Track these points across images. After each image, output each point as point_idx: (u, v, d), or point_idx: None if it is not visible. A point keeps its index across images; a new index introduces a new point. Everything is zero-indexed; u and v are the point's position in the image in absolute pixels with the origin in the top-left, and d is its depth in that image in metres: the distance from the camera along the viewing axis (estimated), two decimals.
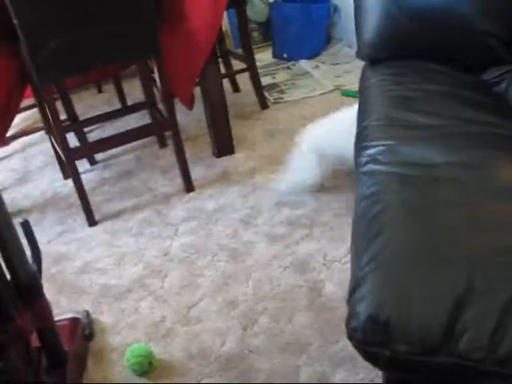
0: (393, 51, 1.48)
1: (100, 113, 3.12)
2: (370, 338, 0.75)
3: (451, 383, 0.75)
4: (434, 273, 0.76)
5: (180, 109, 2.81)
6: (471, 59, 1.40)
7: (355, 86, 3.30)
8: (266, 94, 3.44)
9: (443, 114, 1.17)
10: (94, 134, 3.31)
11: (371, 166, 1.06)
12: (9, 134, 2.69)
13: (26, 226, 1.50)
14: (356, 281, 0.80)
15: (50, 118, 2.35)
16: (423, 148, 1.05)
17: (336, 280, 1.93)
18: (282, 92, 3.49)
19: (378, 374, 1.56)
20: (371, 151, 1.10)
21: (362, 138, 1.18)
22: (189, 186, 2.60)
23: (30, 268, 1.49)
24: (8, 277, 1.44)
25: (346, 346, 1.67)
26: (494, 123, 1.14)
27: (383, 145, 1.10)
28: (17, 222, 1.44)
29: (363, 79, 1.49)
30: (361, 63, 3.58)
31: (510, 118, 1.22)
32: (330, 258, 2.03)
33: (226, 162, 2.81)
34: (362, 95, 1.43)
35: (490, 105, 1.28)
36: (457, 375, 0.72)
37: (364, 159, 1.10)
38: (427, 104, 1.23)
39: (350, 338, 0.78)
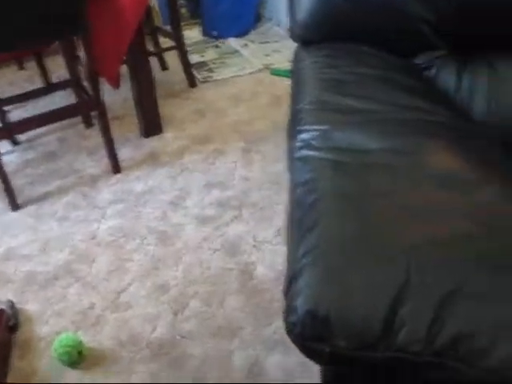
0: (326, 33, 1.45)
1: (21, 90, 2.98)
2: (309, 332, 0.73)
3: (390, 375, 0.75)
4: (371, 266, 0.75)
5: (106, 87, 2.72)
6: (404, 43, 1.39)
7: (284, 65, 3.31)
8: (195, 72, 3.39)
9: (376, 98, 1.16)
10: (16, 113, 3.18)
11: (305, 152, 1.04)
12: None
13: None
14: (292, 274, 0.78)
15: None
16: (356, 133, 1.04)
17: (267, 262, 1.92)
18: (210, 71, 3.44)
19: None
20: (305, 136, 1.08)
21: (295, 122, 1.16)
22: (116, 168, 2.53)
23: None
24: None
25: (278, 328, 1.68)
26: (426, 109, 1.14)
27: (316, 129, 1.08)
28: None
29: (296, 61, 1.46)
30: (290, 42, 3.57)
31: (440, 104, 1.23)
32: (260, 239, 2.02)
33: (154, 142, 2.75)
34: (295, 77, 1.40)
35: (421, 89, 1.28)
36: (395, 368, 0.72)
37: (298, 144, 1.08)
38: (360, 88, 1.22)
39: (289, 332, 0.76)
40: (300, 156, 1.05)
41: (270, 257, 1.94)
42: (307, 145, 1.06)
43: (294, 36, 1.55)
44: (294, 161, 1.07)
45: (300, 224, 0.87)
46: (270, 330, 1.68)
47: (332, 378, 0.90)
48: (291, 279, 0.78)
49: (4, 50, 2.32)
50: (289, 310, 0.75)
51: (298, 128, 1.13)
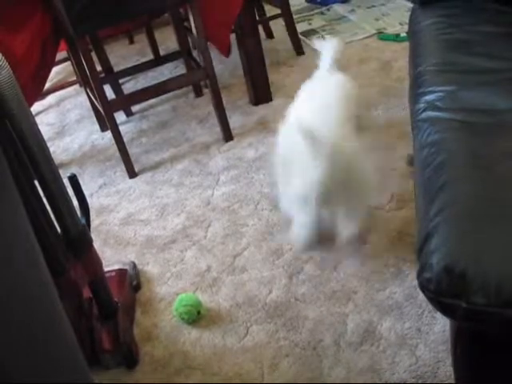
0: None
1: (133, 64, 3.10)
2: (445, 288, 0.74)
3: None
4: (507, 223, 0.74)
5: (214, 57, 2.77)
6: None
7: (395, 30, 3.24)
8: (307, 40, 3.37)
9: (503, 56, 1.13)
10: (128, 85, 3.30)
11: (430, 113, 1.03)
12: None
13: (74, 180, 1.51)
14: (427, 232, 0.78)
15: (86, 70, 2.34)
16: (485, 93, 1.02)
17: (380, 228, 1.91)
18: (322, 38, 3.40)
19: (423, 323, 1.56)
20: (429, 97, 1.07)
21: (417, 84, 1.14)
22: (227, 135, 2.59)
23: (79, 221, 1.50)
24: (59, 231, 1.46)
25: (392, 293, 1.67)
26: None
27: (442, 91, 1.07)
28: (63, 175, 1.45)
29: (413, 22, 1.43)
30: (397, 5, 3.50)
31: None
32: (374, 205, 2.01)
33: (263, 109, 2.78)
34: (414, 39, 1.38)
35: None
36: None
37: (422, 106, 1.07)
38: (486, 47, 1.19)
39: (423, 288, 0.77)
40: (425, 117, 1.05)
41: (382, 224, 1.93)
42: (432, 106, 1.06)
43: None
44: (418, 122, 1.06)
45: (430, 184, 0.87)
46: (384, 294, 1.68)
47: (463, 337, 0.90)
48: (425, 237, 0.78)
49: (115, 22, 2.41)
50: (423, 267, 0.76)
51: (421, 90, 1.12)
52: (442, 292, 0.75)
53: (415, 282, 1.62)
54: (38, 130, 1.33)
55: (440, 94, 1.07)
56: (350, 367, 1.50)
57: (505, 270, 0.71)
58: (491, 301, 0.71)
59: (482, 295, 0.71)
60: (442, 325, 1.55)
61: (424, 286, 0.77)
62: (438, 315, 1.57)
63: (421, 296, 1.62)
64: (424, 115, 1.04)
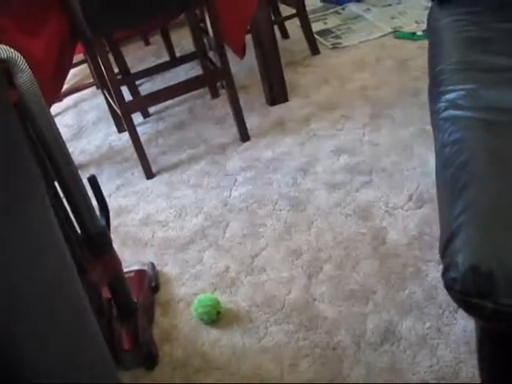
0: None
1: (149, 65, 3.11)
2: (471, 288, 0.74)
3: None
4: None
5: (229, 57, 2.77)
6: None
7: (411, 28, 3.23)
8: (322, 39, 3.37)
9: None
10: (144, 86, 3.31)
11: (451, 112, 1.03)
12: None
13: (93, 181, 1.52)
14: (450, 231, 0.78)
15: (103, 71, 2.35)
16: (507, 91, 1.01)
17: (399, 227, 1.90)
18: (338, 37, 3.39)
19: (444, 323, 1.55)
20: (450, 96, 1.07)
21: (437, 83, 1.14)
22: (244, 136, 2.59)
23: (98, 222, 1.51)
24: (79, 231, 1.47)
25: (412, 293, 1.66)
26: None
27: (463, 89, 1.06)
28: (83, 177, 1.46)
29: (432, 21, 1.43)
30: (413, 3, 3.49)
31: None
32: (392, 205, 2.01)
33: (280, 110, 2.78)
34: (433, 38, 1.37)
35: None
36: None
37: (443, 105, 1.06)
38: (506, 44, 1.18)
39: (449, 288, 0.77)
40: (446, 116, 1.04)
41: (401, 222, 1.92)
42: (453, 105, 1.05)
43: None
44: (439, 121, 1.06)
45: (453, 183, 0.87)
46: (403, 294, 1.67)
47: (489, 338, 0.89)
48: (449, 236, 0.78)
49: (132, 24, 2.43)
50: (448, 267, 0.75)
51: (441, 89, 1.12)
52: (468, 292, 0.74)
53: (435, 282, 1.62)
54: (58, 131, 1.34)
55: (461, 92, 1.06)
56: (369, 367, 1.49)
57: None
58: None
59: (509, 295, 0.71)
60: (462, 325, 1.53)
61: (449, 286, 0.76)
62: (459, 315, 1.56)
63: (441, 296, 1.61)
64: (445, 114, 1.04)
